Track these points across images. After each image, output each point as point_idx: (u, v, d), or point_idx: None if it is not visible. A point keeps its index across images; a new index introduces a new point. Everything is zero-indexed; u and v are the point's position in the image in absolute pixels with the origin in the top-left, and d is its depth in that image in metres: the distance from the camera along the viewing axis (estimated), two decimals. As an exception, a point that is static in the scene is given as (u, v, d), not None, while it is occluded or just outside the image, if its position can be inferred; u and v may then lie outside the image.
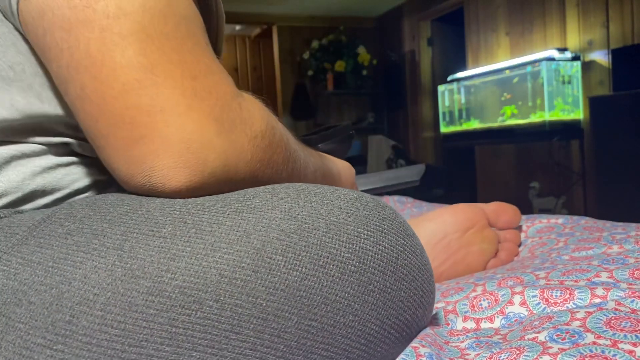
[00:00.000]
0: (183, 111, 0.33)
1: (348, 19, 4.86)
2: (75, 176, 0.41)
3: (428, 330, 0.41)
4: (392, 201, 1.30)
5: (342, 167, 0.62)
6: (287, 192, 0.36)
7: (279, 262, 0.32)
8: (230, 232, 0.32)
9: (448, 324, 0.48)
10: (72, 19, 0.33)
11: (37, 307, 0.29)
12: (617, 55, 2.52)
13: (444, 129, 3.67)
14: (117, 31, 0.33)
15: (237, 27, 5.24)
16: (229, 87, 0.36)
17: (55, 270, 0.30)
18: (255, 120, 0.37)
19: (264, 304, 0.31)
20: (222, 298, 0.30)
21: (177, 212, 0.33)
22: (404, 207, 1.23)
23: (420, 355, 0.36)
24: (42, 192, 0.39)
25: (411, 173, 0.89)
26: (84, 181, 0.41)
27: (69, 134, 0.40)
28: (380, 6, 4.66)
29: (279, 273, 0.32)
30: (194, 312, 0.30)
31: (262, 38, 5.37)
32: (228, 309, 0.30)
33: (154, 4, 0.34)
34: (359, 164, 4.18)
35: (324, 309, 0.33)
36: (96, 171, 0.42)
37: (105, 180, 0.43)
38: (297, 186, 0.37)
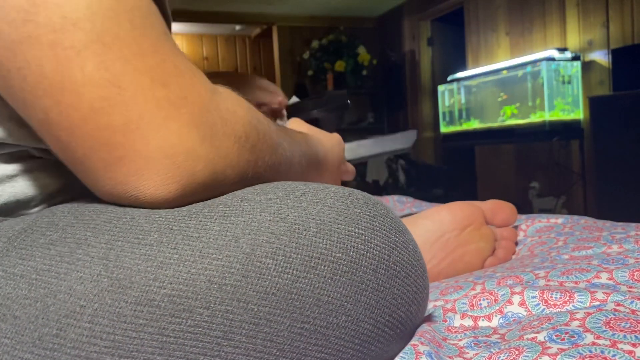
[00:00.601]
0: (160, 124, 0.31)
1: (348, 19, 4.86)
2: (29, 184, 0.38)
3: (425, 327, 0.41)
4: (392, 201, 1.30)
5: (329, 146, 0.60)
6: (276, 193, 0.35)
7: (269, 265, 0.31)
8: (218, 237, 0.31)
9: (445, 321, 0.48)
10: (13, 36, 0.29)
11: (22, 321, 0.28)
12: (617, 55, 2.52)
13: (444, 129, 3.67)
14: (69, 45, 0.29)
15: (237, 27, 5.24)
16: (203, 86, 0.34)
17: (39, 283, 0.29)
18: (237, 119, 0.36)
19: (256, 309, 0.30)
20: (212, 305, 0.30)
21: (163, 219, 0.32)
22: (404, 206, 1.23)
23: (420, 353, 0.36)
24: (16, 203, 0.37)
25: (403, 139, 0.88)
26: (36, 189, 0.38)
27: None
28: (380, 6, 4.66)
29: (269, 277, 0.31)
30: (184, 321, 0.29)
31: (262, 38, 5.37)
32: (219, 315, 0.30)
33: (100, 3, 0.30)
34: (359, 163, 4.18)
35: (317, 311, 0.32)
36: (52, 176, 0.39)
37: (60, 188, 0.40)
38: (286, 185, 0.36)
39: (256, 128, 0.38)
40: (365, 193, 0.39)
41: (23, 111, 0.32)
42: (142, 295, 0.29)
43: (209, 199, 0.35)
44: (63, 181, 0.40)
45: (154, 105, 0.31)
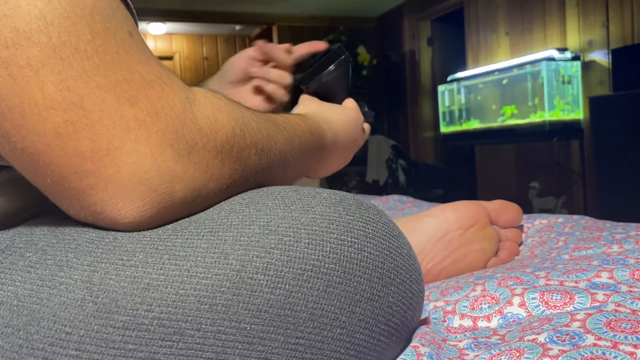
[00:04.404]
0: (131, 148, 0.29)
1: (348, 19, 4.86)
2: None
3: (425, 328, 0.40)
4: (392, 201, 1.30)
5: (340, 124, 0.57)
6: (265, 203, 0.34)
7: (261, 281, 0.30)
8: (206, 255, 0.30)
9: (445, 321, 0.48)
10: None
11: (6, 351, 0.27)
12: (617, 55, 2.52)
13: (444, 129, 3.66)
14: (25, 62, 0.27)
15: (237, 27, 5.24)
16: (175, 96, 0.31)
17: (21, 310, 0.28)
18: (218, 127, 0.33)
19: (248, 328, 0.29)
20: (203, 326, 0.29)
21: (147, 239, 0.30)
22: (404, 206, 1.23)
23: (421, 355, 0.36)
24: None
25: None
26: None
27: None
28: (380, 6, 4.66)
29: (261, 293, 0.30)
30: (175, 344, 0.28)
31: (262, 38, 5.36)
32: (211, 337, 0.29)
33: (54, 11, 0.27)
34: (359, 163, 4.18)
35: (311, 325, 0.31)
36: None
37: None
38: (276, 194, 0.35)
39: (242, 133, 0.35)
40: (358, 197, 0.38)
41: None
42: (130, 320, 0.28)
43: (193, 214, 0.33)
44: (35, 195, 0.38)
45: (123, 128, 0.29)
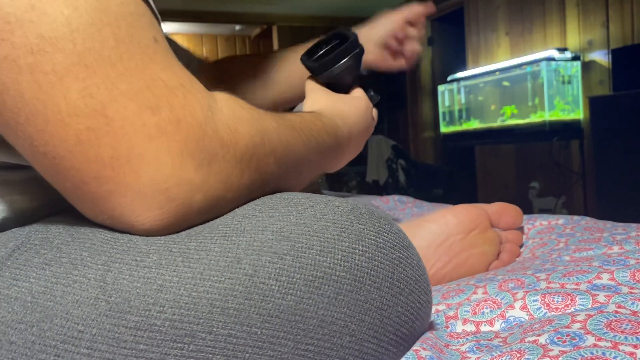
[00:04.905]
0: (152, 156, 0.29)
1: (348, 19, 4.86)
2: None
3: (428, 333, 0.41)
4: (392, 201, 1.30)
5: (354, 117, 0.57)
6: (278, 209, 0.34)
7: (273, 287, 0.30)
8: (220, 259, 0.30)
9: (448, 327, 0.48)
10: None
11: (18, 347, 0.27)
12: (617, 55, 2.52)
13: (444, 129, 3.67)
14: (50, 69, 0.27)
15: (237, 27, 5.24)
16: (197, 104, 0.31)
17: (35, 306, 0.28)
18: (239, 137, 0.33)
19: (259, 332, 0.30)
20: (215, 329, 0.29)
21: (162, 241, 0.31)
22: (404, 206, 1.23)
23: (422, 358, 0.36)
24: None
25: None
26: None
27: None
28: (380, 6, 4.65)
29: (272, 299, 0.30)
30: (186, 346, 0.28)
31: (262, 38, 5.36)
32: (222, 340, 0.29)
33: (80, 17, 0.28)
34: (359, 163, 4.18)
35: (320, 332, 0.31)
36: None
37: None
38: (289, 200, 0.35)
39: (262, 142, 0.35)
40: (369, 206, 0.38)
41: (7, 136, 0.30)
42: (142, 320, 0.28)
43: (207, 222, 0.34)
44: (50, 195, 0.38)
45: (144, 136, 0.29)
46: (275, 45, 4.81)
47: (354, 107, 0.59)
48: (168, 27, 4.98)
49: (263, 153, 0.36)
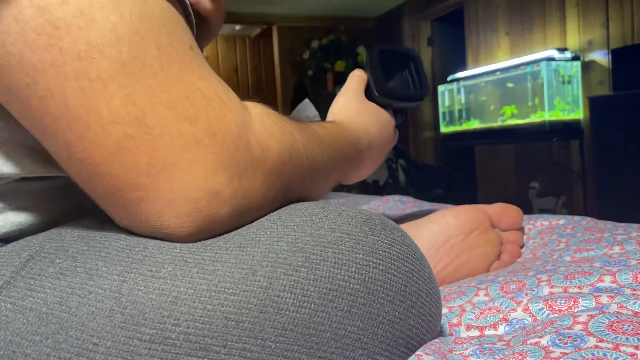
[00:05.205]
0: (186, 167, 0.29)
1: (348, 19, 4.86)
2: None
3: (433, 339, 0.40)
4: (392, 201, 1.29)
5: (376, 132, 0.57)
6: (293, 219, 0.34)
7: (287, 299, 0.30)
8: (235, 271, 0.30)
9: (452, 334, 0.48)
10: (35, 62, 0.27)
11: (33, 359, 0.27)
12: (617, 55, 2.52)
13: (444, 129, 3.67)
14: (96, 76, 0.28)
15: (237, 27, 5.24)
16: (233, 118, 0.31)
17: (50, 318, 0.28)
18: (269, 155, 0.33)
19: (273, 346, 0.29)
20: (229, 343, 0.28)
21: (177, 251, 0.31)
22: (404, 206, 1.23)
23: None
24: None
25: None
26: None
27: None
28: (380, 6, 4.66)
29: (287, 312, 0.30)
30: (200, 359, 0.28)
31: (262, 38, 5.36)
32: (236, 354, 0.29)
33: (125, 25, 0.28)
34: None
35: (334, 345, 0.31)
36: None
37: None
38: (303, 210, 0.35)
39: (290, 159, 0.36)
40: (383, 217, 0.38)
41: (44, 141, 0.30)
42: (157, 333, 0.28)
43: (228, 232, 0.34)
44: (70, 201, 0.38)
45: (181, 146, 0.29)
46: (275, 45, 4.81)
47: (378, 119, 0.59)
48: (168, 27, 4.97)
49: (290, 170, 0.36)
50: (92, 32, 0.27)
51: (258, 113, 0.35)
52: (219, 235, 0.33)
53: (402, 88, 0.63)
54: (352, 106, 0.59)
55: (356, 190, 4.53)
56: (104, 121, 0.28)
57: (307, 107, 0.73)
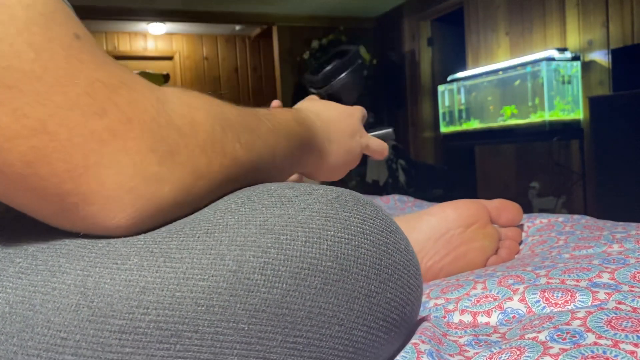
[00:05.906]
0: (110, 161, 0.28)
1: (348, 19, 4.86)
2: None
3: (426, 323, 0.40)
4: (392, 201, 1.30)
5: (334, 115, 0.56)
6: (261, 201, 0.33)
7: (258, 281, 0.30)
8: (202, 257, 0.30)
9: (445, 317, 0.48)
10: None
11: (1, 358, 0.27)
12: (617, 55, 2.52)
13: (444, 129, 3.66)
14: None
15: (237, 27, 5.24)
16: (145, 99, 0.30)
17: (14, 317, 0.27)
18: (197, 125, 0.33)
19: (246, 328, 0.29)
20: (201, 328, 0.28)
21: (142, 242, 0.30)
22: (404, 206, 1.23)
23: (421, 352, 0.36)
24: None
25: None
26: None
27: None
28: (380, 6, 4.66)
29: (258, 293, 0.30)
30: (172, 346, 0.28)
31: (262, 38, 5.37)
32: (208, 338, 0.29)
33: None
34: (359, 163, 4.18)
35: (309, 324, 0.31)
36: None
37: None
38: (272, 191, 0.35)
39: (222, 129, 0.34)
40: (355, 193, 0.37)
41: None
42: (126, 324, 0.27)
43: (187, 215, 0.33)
44: None
45: (96, 142, 0.28)
46: (275, 45, 4.81)
47: (334, 107, 0.58)
48: (168, 27, 4.98)
49: (227, 138, 0.35)
50: None
51: (173, 91, 0.34)
52: (178, 218, 0.32)
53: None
54: (306, 102, 0.59)
55: (356, 190, 4.53)
56: (3, 139, 0.26)
57: (388, 134, 0.72)
